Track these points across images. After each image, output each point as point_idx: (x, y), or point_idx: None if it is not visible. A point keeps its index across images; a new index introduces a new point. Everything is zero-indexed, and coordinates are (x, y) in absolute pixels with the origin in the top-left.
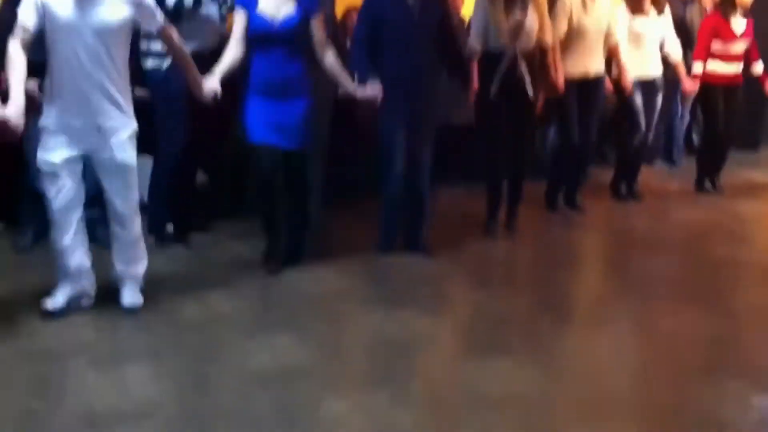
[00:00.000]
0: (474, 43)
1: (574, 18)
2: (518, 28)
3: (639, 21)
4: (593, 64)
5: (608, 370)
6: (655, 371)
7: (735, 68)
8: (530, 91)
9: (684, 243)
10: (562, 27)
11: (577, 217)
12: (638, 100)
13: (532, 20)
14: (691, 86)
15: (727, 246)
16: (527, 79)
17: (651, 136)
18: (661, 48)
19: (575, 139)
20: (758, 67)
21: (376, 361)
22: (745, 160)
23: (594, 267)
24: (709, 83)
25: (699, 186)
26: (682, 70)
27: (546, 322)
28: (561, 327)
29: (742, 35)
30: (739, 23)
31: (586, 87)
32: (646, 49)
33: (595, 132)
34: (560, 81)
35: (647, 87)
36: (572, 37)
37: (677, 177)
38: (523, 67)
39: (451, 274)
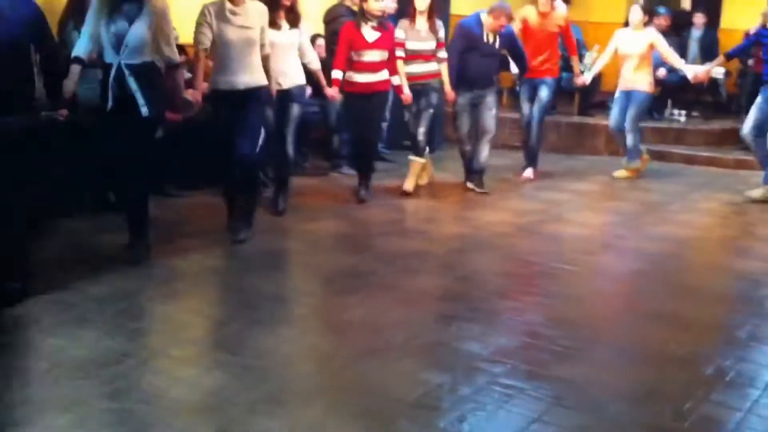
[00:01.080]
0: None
1: (215, 29)
2: (119, 40)
3: (272, 33)
4: (242, 76)
5: (295, 361)
6: (337, 357)
7: (371, 77)
8: (143, 108)
9: (368, 239)
10: (205, 39)
11: (277, 222)
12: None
13: (137, 32)
14: (333, 92)
15: (406, 239)
16: (138, 93)
17: (291, 148)
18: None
19: (241, 151)
20: (395, 79)
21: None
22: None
23: (287, 268)
24: (350, 91)
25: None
26: (321, 78)
27: (239, 323)
28: (251, 327)
29: (376, 44)
30: (371, 33)
31: (234, 99)
32: (280, 60)
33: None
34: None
35: (282, 97)
36: (217, 50)
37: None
38: (132, 82)
39: (143, 289)
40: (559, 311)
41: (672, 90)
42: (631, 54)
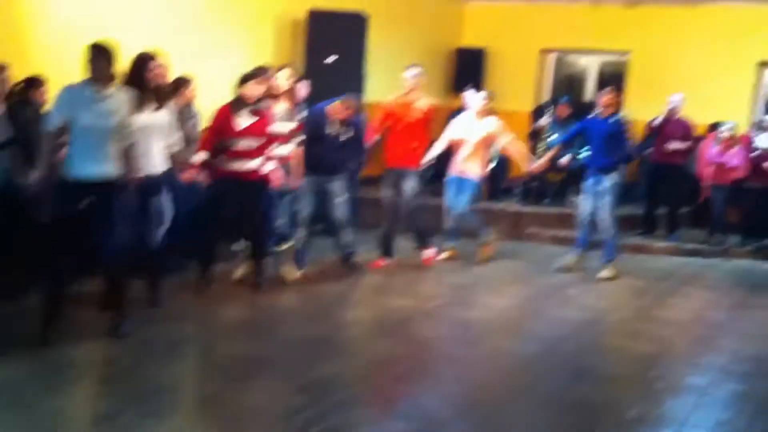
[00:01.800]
0: None
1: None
2: None
3: (141, 116)
4: (96, 166)
5: None
6: None
7: (244, 164)
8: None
9: (270, 325)
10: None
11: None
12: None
13: None
14: (188, 176)
15: (309, 324)
16: None
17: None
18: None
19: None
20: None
21: None
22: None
23: (184, 355)
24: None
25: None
26: (181, 163)
27: (128, 416)
28: (143, 419)
29: (249, 130)
30: (246, 119)
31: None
32: (146, 144)
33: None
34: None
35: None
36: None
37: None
38: None
39: (31, 380)
40: (458, 395)
41: (574, 176)
42: (467, 141)
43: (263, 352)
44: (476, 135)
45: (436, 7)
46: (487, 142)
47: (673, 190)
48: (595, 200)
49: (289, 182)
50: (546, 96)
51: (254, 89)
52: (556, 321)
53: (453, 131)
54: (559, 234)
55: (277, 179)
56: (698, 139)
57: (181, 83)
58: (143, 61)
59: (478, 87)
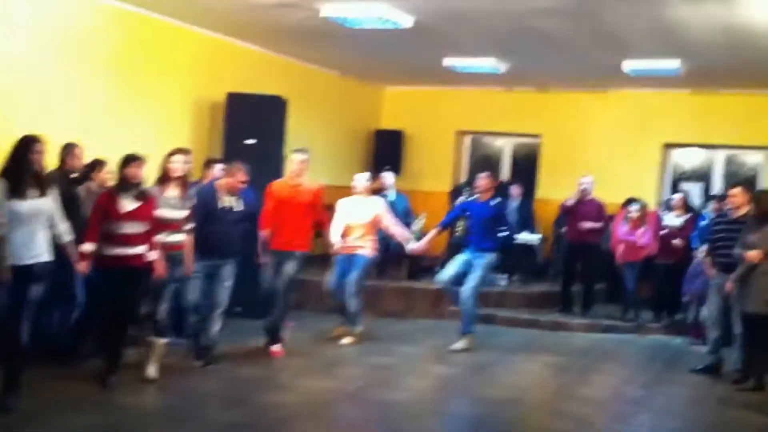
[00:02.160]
0: None
1: None
2: None
3: (16, 203)
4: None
5: None
6: None
7: (127, 250)
8: None
9: (187, 412)
10: None
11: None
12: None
13: None
14: (81, 267)
15: (227, 411)
16: None
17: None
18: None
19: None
20: (152, 254)
21: None
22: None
23: None
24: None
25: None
26: (72, 251)
27: None
28: None
29: (133, 214)
30: (129, 203)
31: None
32: (21, 232)
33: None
34: None
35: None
36: None
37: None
38: None
39: None
40: None
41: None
42: (356, 223)
43: None
44: (365, 216)
45: (355, 91)
46: (376, 222)
47: (588, 267)
48: (464, 269)
49: (181, 271)
50: (463, 176)
51: (136, 171)
52: (479, 401)
53: (344, 213)
54: (481, 312)
55: (162, 268)
56: (610, 218)
57: (95, 165)
58: (27, 144)
59: (396, 168)
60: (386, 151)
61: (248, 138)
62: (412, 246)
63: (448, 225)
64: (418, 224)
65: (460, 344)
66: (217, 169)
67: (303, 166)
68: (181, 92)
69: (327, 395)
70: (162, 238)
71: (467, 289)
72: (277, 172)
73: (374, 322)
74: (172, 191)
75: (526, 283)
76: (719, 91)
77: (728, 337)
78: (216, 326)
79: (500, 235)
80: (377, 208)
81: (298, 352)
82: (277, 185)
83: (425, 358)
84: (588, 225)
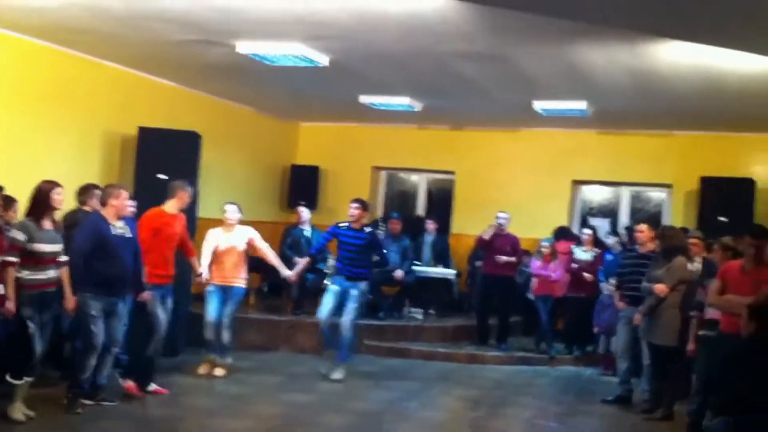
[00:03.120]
0: None
1: None
2: None
3: None
4: None
5: None
6: None
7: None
8: None
9: None
10: None
11: None
12: None
13: None
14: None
15: None
16: None
17: None
18: None
19: None
20: None
21: None
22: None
23: None
24: None
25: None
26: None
27: None
28: None
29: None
30: None
31: None
32: None
33: None
34: None
35: None
36: None
37: None
38: None
39: None
40: None
41: (409, 289)
42: (231, 249)
43: None
44: (239, 243)
45: (270, 127)
46: (248, 250)
47: (503, 300)
48: (339, 301)
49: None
50: (379, 211)
51: None
52: None
53: (214, 242)
54: (396, 346)
55: (10, 309)
56: (525, 253)
57: (6, 202)
58: None
59: (312, 203)
60: (302, 186)
61: (160, 173)
62: (287, 273)
63: (318, 250)
64: (332, 260)
65: (337, 374)
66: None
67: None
68: (92, 125)
69: None
70: (41, 274)
71: (346, 321)
72: (191, 207)
73: (290, 357)
74: (47, 223)
75: (441, 317)
76: (625, 132)
77: (637, 367)
78: (109, 365)
79: (374, 259)
80: (250, 233)
81: (204, 390)
82: (155, 214)
83: (340, 395)
84: (504, 259)
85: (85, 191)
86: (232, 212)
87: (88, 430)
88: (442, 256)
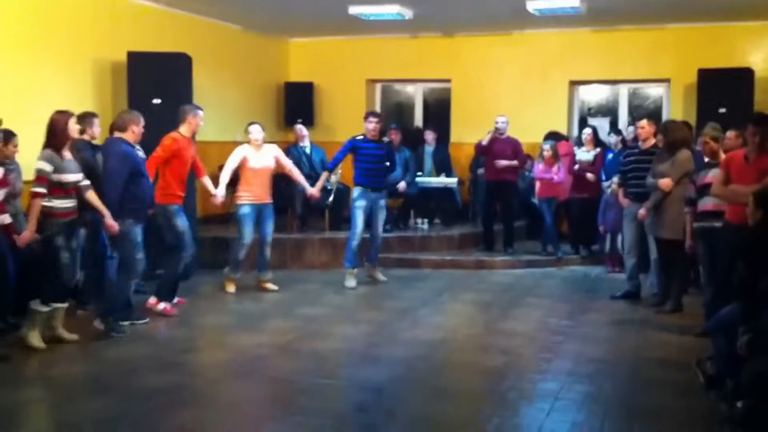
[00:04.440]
0: None
1: None
2: None
3: None
4: None
5: None
6: None
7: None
8: None
9: (120, 378)
10: None
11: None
12: None
13: None
14: None
15: (162, 373)
16: None
17: None
18: None
19: None
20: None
21: None
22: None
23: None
24: None
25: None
26: None
27: None
28: None
29: None
30: None
31: None
32: None
33: None
34: None
35: None
36: None
37: None
38: None
39: None
40: (323, 429)
41: (413, 201)
42: (263, 169)
43: (116, 408)
44: (269, 161)
45: (260, 45)
46: (278, 167)
47: (506, 205)
48: (369, 216)
49: (110, 230)
50: None
51: None
52: (410, 343)
53: (242, 159)
54: (405, 257)
55: (25, 238)
56: (527, 157)
57: (5, 136)
58: None
59: (309, 121)
60: (297, 104)
61: (154, 97)
62: (311, 190)
63: (337, 164)
64: (335, 176)
65: (382, 276)
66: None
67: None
68: (80, 54)
69: (260, 350)
70: (66, 203)
71: (380, 230)
72: None
73: (299, 274)
74: (67, 154)
75: (447, 226)
76: (619, 28)
77: (645, 263)
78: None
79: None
80: (276, 151)
81: (220, 309)
82: (177, 138)
83: (353, 307)
84: (504, 163)
85: (82, 119)
86: (258, 132)
87: (127, 350)
88: (443, 166)
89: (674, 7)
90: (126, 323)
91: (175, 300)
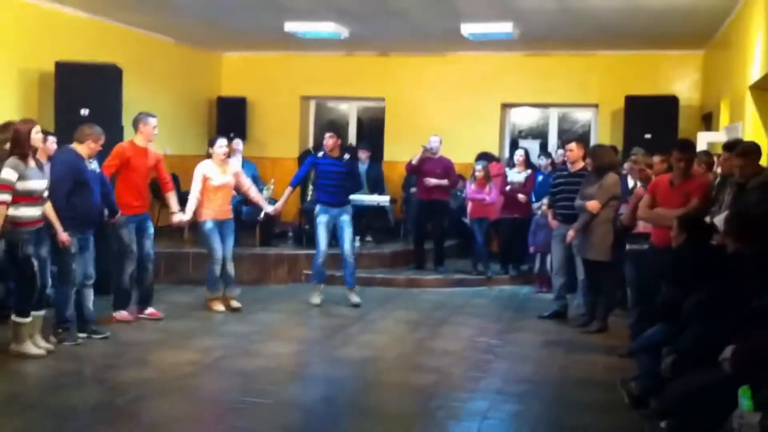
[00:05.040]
0: None
1: None
2: None
3: None
4: None
5: None
6: None
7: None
8: None
9: (39, 395)
10: None
11: None
12: None
13: None
14: None
15: (80, 391)
16: None
17: None
18: None
19: None
20: None
21: None
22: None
23: None
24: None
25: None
26: None
27: None
28: None
29: None
30: None
31: None
32: None
33: None
34: None
35: None
36: None
37: None
38: None
39: None
40: None
41: None
42: (224, 185)
43: (35, 427)
44: (230, 178)
45: (192, 58)
46: (237, 184)
47: (437, 224)
48: (332, 232)
49: (47, 248)
50: (310, 142)
51: None
52: (339, 362)
53: (204, 177)
54: (336, 273)
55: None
56: (460, 177)
57: None
58: None
59: (241, 135)
60: (229, 118)
61: (82, 108)
62: (269, 209)
63: (300, 181)
64: (267, 191)
65: (356, 298)
66: (50, 141)
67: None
68: (5, 63)
69: (185, 368)
70: (32, 212)
71: (348, 248)
72: (116, 143)
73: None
74: (32, 162)
75: (378, 243)
76: (550, 53)
77: (572, 283)
78: (91, 298)
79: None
80: (236, 167)
81: (148, 325)
82: (128, 148)
83: (283, 324)
84: (433, 182)
85: (4, 130)
86: (222, 146)
87: (50, 367)
88: (376, 184)
89: (603, 34)
90: (82, 335)
91: (148, 311)
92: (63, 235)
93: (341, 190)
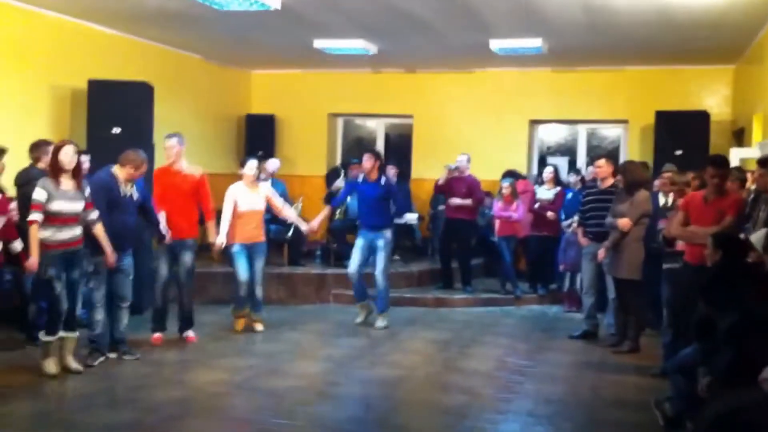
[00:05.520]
0: None
1: None
2: None
3: None
4: None
5: None
6: None
7: None
8: None
9: (71, 415)
10: None
11: None
12: None
13: None
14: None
15: (114, 411)
16: None
17: None
18: None
19: None
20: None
21: None
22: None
23: None
24: None
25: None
26: None
27: None
28: None
29: None
30: None
31: None
32: None
33: None
34: None
35: None
36: None
37: None
38: None
39: None
40: None
41: None
42: (252, 212)
43: None
44: (260, 202)
45: (222, 76)
46: (267, 206)
47: (463, 243)
48: (367, 254)
49: (83, 269)
50: (337, 159)
51: None
52: (368, 381)
53: (234, 201)
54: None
55: (32, 263)
56: (487, 194)
57: None
58: None
59: (269, 153)
60: (258, 136)
61: (113, 126)
62: (305, 227)
63: (339, 204)
64: (295, 209)
65: (381, 322)
66: (84, 159)
67: (178, 150)
68: (38, 80)
69: (216, 388)
70: (63, 234)
71: (379, 272)
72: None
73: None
74: (66, 183)
75: (406, 262)
76: (579, 69)
77: (602, 302)
78: (125, 319)
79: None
80: (267, 191)
81: (180, 346)
82: (161, 171)
83: (311, 343)
84: (457, 201)
85: (36, 148)
86: (254, 168)
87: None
88: (405, 202)
89: (632, 49)
90: (113, 356)
91: (186, 335)
92: (111, 257)
93: (377, 214)
